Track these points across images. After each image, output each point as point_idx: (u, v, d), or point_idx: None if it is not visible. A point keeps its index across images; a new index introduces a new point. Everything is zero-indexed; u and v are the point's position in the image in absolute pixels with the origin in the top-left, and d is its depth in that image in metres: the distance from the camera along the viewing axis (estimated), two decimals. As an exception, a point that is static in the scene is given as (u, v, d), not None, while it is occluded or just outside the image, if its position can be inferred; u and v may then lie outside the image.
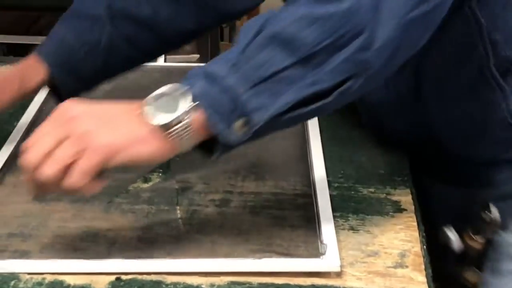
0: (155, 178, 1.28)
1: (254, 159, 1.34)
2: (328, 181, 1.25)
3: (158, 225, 1.15)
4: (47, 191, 0.99)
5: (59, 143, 0.95)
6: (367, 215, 1.19)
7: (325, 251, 1.07)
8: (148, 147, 0.96)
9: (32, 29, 3.36)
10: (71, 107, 0.97)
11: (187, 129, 0.95)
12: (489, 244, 1.18)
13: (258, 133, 0.97)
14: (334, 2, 0.93)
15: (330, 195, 1.21)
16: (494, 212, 1.06)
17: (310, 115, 1.00)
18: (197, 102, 0.94)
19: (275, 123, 0.96)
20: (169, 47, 1.44)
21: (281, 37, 0.94)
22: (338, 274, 1.05)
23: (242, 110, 0.94)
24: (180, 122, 0.94)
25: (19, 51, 3.07)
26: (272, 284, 1.03)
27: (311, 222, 1.15)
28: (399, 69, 1.05)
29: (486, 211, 1.05)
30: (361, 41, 0.93)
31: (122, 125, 0.96)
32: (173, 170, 1.29)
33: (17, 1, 2.49)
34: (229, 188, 1.25)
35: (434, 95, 1.21)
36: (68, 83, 1.33)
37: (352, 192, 1.24)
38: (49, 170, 0.95)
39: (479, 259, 1.20)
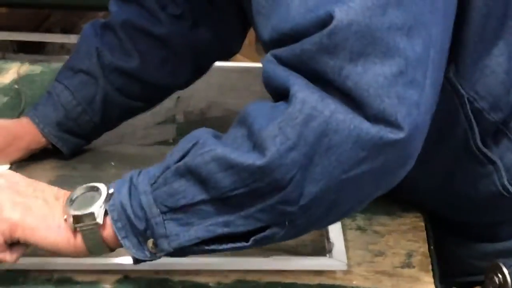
0: None
1: None
2: None
3: None
4: None
5: None
6: (375, 215, 1.17)
7: (331, 250, 1.06)
8: (53, 234, 0.94)
9: (42, 26, 3.34)
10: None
11: (94, 232, 0.92)
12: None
13: (174, 256, 0.94)
14: (254, 153, 0.86)
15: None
16: (506, 275, 1.00)
17: (233, 250, 0.93)
18: (111, 209, 0.92)
19: (188, 251, 0.93)
20: (161, 94, 1.40)
21: (198, 173, 0.89)
22: (345, 273, 1.04)
23: (153, 233, 0.91)
24: (90, 221, 0.92)
25: (29, 49, 3.05)
26: (279, 283, 1.03)
27: None
28: None
29: (498, 273, 1.00)
30: (282, 196, 0.86)
31: (39, 207, 0.95)
32: None
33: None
34: None
35: (420, 172, 1.06)
36: (68, 141, 1.31)
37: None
38: None
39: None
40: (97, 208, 0.92)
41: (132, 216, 0.91)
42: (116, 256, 1.04)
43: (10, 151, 1.28)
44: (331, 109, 0.82)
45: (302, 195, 0.85)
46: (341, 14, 0.81)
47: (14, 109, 1.46)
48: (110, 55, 1.31)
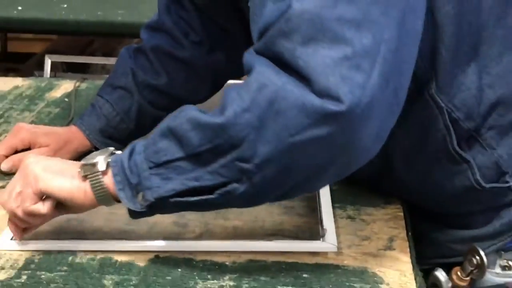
0: None
1: None
2: None
3: (189, 212, 1.13)
4: (20, 226, 1.05)
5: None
6: (362, 206, 1.19)
7: (324, 235, 1.08)
8: (68, 183, 0.99)
9: (86, 51, 3.39)
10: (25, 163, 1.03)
11: (99, 179, 0.98)
12: (474, 282, 1.13)
13: (156, 209, 0.98)
14: (217, 114, 0.91)
15: (332, 190, 1.21)
16: (483, 256, 1.01)
17: (200, 207, 0.97)
18: (112, 164, 0.97)
19: (167, 204, 0.96)
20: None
21: (176, 132, 0.94)
22: (337, 255, 1.06)
23: (141, 185, 0.95)
24: (95, 169, 0.98)
25: (76, 69, 3.11)
26: (284, 262, 1.04)
27: (315, 211, 1.16)
28: None
29: (475, 255, 1.02)
30: (239, 153, 0.90)
31: (58, 164, 1.03)
32: None
33: (74, 27, 2.52)
34: None
35: (404, 169, 1.15)
36: (109, 145, 1.30)
37: (350, 187, 1.23)
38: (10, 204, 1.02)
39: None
40: (101, 159, 0.98)
41: (128, 171, 0.96)
42: (148, 240, 1.08)
43: (62, 153, 1.31)
44: (282, 81, 0.87)
45: (255, 153, 0.89)
46: (297, 4, 0.86)
47: (64, 119, 1.50)
48: (143, 74, 1.36)
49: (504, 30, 1.08)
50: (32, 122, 1.48)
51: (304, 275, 1.02)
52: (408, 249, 1.09)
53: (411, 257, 1.07)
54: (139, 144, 0.98)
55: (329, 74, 0.85)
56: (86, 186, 0.99)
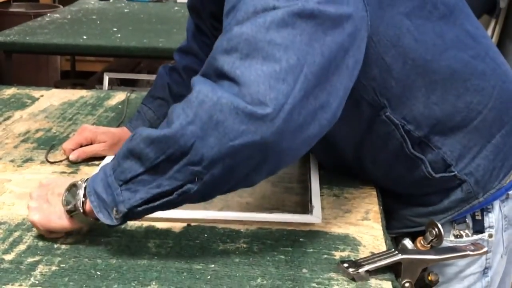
0: None
1: None
2: (321, 165, 1.25)
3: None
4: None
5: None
6: (345, 187, 1.19)
7: (312, 210, 1.07)
8: (60, 222, 0.98)
9: (135, 69, 3.42)
10: (36, 190, 1.03)
11: (81, 213, 0.96)
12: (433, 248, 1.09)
13: (128, 218, 0.94)
14: (165, 128, 0.88)
15: (322, 174, 1.21)
16: (440, 228, 0.99)
17: (164, 207, 0.93)
18: (88, 194, 0.94)
19: (137, 211, 0.92)
20: None
21: (134, 152, 0.90)
22: (326, 224, 1.06)
23: (114, 202, 0.92)
24: (76, 209, 0.96)
25: (127, 83, 3.13)
26: (285, 229, 1.04)
27: (308, 191, 1.15)
28: (343, 148, 1.07)
29: (434, 228, 1.01)
30: (189, 158, 0.87)
31: (52, 209, 0.99)
32: None
33: (126, 52, 2.54)
34: None
35: (373, 167, 1.15)
36: None
37: (335, 173, 1.23)
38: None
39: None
40: (79, 201, 0.95)
41: (103, 194, 0.93)
42: (183, 210, 1.03)
43: (116, 149, 1.28)
44: (218, 96, 0.84)
45: (202, 157, 0.86)
46: (236, 28, 0.86)
47: (118, 121, 1.50)
48: (177, 88, 1.35)
49: (446, 61, 1.06)
50: (93, 124, 1.49)
51: (301, 239, 1.02)
52: (380, 220, 1.09)
53: (382, 226, 1.07)
54: (107, 167, 0.94)
55: (260, 83, 0.84)
56: (72, 219, 0.98)
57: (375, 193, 1.17)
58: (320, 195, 1.14)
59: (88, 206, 0.95)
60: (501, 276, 1.22)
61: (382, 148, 1.10)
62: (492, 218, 1.15)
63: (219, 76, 0.87)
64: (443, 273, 1.15)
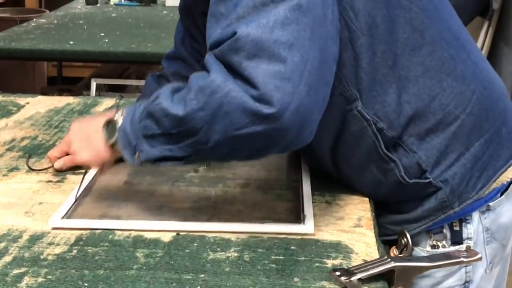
0: (201, 171, 1.28)
1: (263, 160, 1.32)
2: (312, 172, 1.24)
3: (203, 199, 1.16)
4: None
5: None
6: (337, 194, 1.18)
7: (304, 220, 1.07)
8: (107, 155, 1.10)
9: (124, 75, 3.41)
10: (72, 130, 1.19)
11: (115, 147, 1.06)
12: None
13: (147, 163, 1.02)
14: (180, 105, 0.95)
15: (314, 181, 1.21)
16: (408, 238, 1.00)
17: (174, 165, 1.02)
18: (118, 132, 1.05)
19: (153, 162, 1.02)
20: None
21: (154, 116, 0.99)
22: (318, 231, 1.06)
23: (136, 148, 1.01)
24: (117, 141, 1.05)
25: (115, 89, 3.13)
26: (276, 238, 1.04)
27: (300, 198, 1.15)
28: (319, 150, 1.12)
29: (404, 238, 1.00)
30: (197, 138, 0.95)
31: (94, 145, 1.11)
32: (213, 166, 1.29)
33: (114, 57, 2.54)
34: (249, 176, 1.25)
35: (348, 170, 1.15)
36: None
37: (327, 180, 1.22)
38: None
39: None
40: (114, 139, 1.06)
41: (130, 137, 1.03)
42: (172, 221, 1.07)
43: None
44: (229, 88, 0.91)
45: (209, 140, 0.94)
46: (242, 29, 0.91)
47: None
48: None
49: (419, 58, 1.06)
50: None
51: (292, 248, 1.02)
52: (372, 227, 1.08)
53: (375, 233, 1.07)
54: (136, 114, 1.03)
55: (267, 83, 0.89)
56: (110, 152, 1.09)
57: (367, 199, 1.17)
58: (312, 202, 1.14)
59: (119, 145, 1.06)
60: None
61: (356, 148, 1.10)
62: (470, 230, 1.13)
63: (230, 70, 0.92)
64: (419, 285, 1.14)
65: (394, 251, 1.03)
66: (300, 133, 0.94)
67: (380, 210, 1.17)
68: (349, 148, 1.11)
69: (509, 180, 1.14)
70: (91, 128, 1.12)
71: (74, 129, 1.19)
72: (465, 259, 0.98)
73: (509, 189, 1.15)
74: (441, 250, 1.12)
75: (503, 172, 1.12)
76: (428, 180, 1.10)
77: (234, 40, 0.91)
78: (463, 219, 1.13)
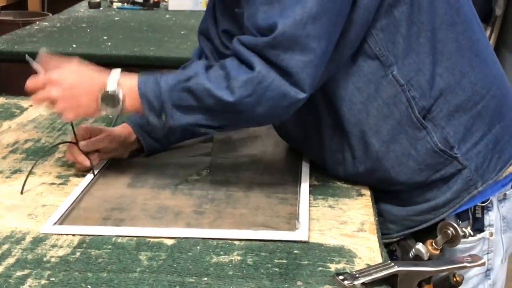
0: (204, 174, 1.29)
1: (267, 163, 1.35)
2: (315, 176, 1.26)
3: (206, 203, 1.17)
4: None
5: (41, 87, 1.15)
6: (340, 198, 1.19)
7: (299, 228, 1.07)
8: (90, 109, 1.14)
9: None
10: (58, 72, 1.15)
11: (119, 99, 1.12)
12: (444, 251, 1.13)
13: (172, 126, 1.12)
14: (227, 91, 1.07)
15: (316, 185, 1.21)
16: (457, 227, 1.03)
17: (203, 133, 1.23)
18: (141, 98, 1.11)
19: (181, 126, 1.13)
20: None
21: (194, 93, 1.09)
22: (321, 235, 1.06)
23: (167, 112, 1.10)
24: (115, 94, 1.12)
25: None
26: (280, 241, 1.04)
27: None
28: (348, 124, 1.16)
29: (450, 228, 1.03)
30: (239, 117, 1.09)
31: (83, 109, 1.14)
32: (216, 169, 1.31)
33: (116, 60, 2.54)
34: (252, 180, 1.26)
35: (375, 139, 1.16)
36: (146, 139, 1.34)
37: (331, 183, 1.24)
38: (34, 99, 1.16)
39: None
40: (119, 106, 1.13)
41: (154, 103, 1.10)
42: (172, 228, 1.07)
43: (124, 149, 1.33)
44: (272, 78, 1.05)
45: (250, 118, 1.10)
46: (280, 26, 1.03)
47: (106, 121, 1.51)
48: None
49: (454, 34, 1.13)
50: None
51: (295, 251, 1.02)
52: (375, 231, 1.09)
53: (378, 237, 1.07)
54: (162, 82, 1.11)
55: (300, 72, 1.05)
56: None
57: (370, 203, 1.17)
58: (315, 206, 1.15)
59: (128, 104, 1.12)
60: (502, 283, 1.24)
61: (388, 117, 1.14)
62: (492, 216, 1.19)
63: (269, 63, 1.06)
64: None
65: (433, 245, 1.06)
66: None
67: (403, 203, 1.21)
68: (381, 117, 1.15)
69: None
70: (81, 89, 1.14)
71: (63, 82, 1.14)
72: (468, 264, 0.98)
73: None
74: (468, 239, 1.16)
75: None
76: (456, 156, 1.15)
77: (271, 38, 1.04)
78: (485, 206, 1.19)
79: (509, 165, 1.19)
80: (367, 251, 1.02)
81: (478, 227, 1.19)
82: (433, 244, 1.06)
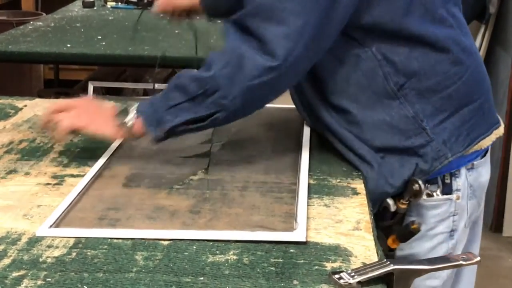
0: (201, 173, 1.28)
1: (262, 163, 1.34)
2: (310, 175, 1.26)
3: (202, 202, 1.17)
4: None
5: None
6: (335, 196, 1.20)
7: (297, 228, 1.06)
8: (108, 129, 1.26)
9: (120, 78, 3.41)
10: (75, 102, 1.30)
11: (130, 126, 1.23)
12: (410, 205, 1.28)
13: (170, 135, 1.22)
14: (206, 71, 1.18)
15: (311, 184, 1.21)
16: (421, 185, 1.18)
17: (196, 130, 1.23)
18: (141, 115, 1.23)
19: (177, 130, 1.21)
20: None
21: (180, 86, 1.20)
22: (317, 234, 1.06)
23: (161, 121, 1.21)
24: (127, 123, 1.24)
25: (112, 92, 3.13)
26: (276, 241, 1.03)
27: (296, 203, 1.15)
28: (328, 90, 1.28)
29: (415, 184, 1.18)
30: (220, 94, 1.17)
31: (103, 123, 1.27)
32: (212, 169, 1.31)
33: (111, 60, 2.55)
34: (248, 179, 1.26)
35: (360, 111, 1.27)
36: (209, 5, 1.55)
37: (326, 182, 1.25)
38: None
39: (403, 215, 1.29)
40: (129, 118, 1.24)
41: (151, 115, 1.22)
42: (167, 230, 1.07)
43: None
44: (245, 48, 1.16)
45: (230, 93, 1.17)
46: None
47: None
48: None
49: (435, 27, 1.23)
50: (78, 140, 1.46)
51: (291, 250, 1.02)
52: (371, 230, 1.08)
53: (373, 236, 1.07)
54: (154, 100, 1.25)
55: (274, 42, 1.14)
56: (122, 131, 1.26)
57: (365, 202, 1.17)
58: (311, 205, 1.15)
59: (137, 125, 1.23)
60: (464, 245, 1.34)
61: (368, 86, 1.25)
62: (459, 183, 1.29)
63: (246, 31, 1.16)
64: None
65: (401, 201, 1.22)
66: (293, 81, 1.24)
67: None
68: (363, 88, 1.25)
69: (486, 146, 1.32)
70: (98, 110, 1.30)
71: (80, 106, 1.30)
72: (464, 262, 0.99)
73: (487, 154, 1.35)
74: (435, 197, 1.28)
75: (483, 138, 1.30)
76: (426, 128, 1.24)
77: (253, 7, 1.15)
78: (453, 173, 1.29)
79: (476, 142, 1.29)
80: (363, 249, 1.02)
81: (447, 191, 1.29)
82: (401, 200, 1.21)
